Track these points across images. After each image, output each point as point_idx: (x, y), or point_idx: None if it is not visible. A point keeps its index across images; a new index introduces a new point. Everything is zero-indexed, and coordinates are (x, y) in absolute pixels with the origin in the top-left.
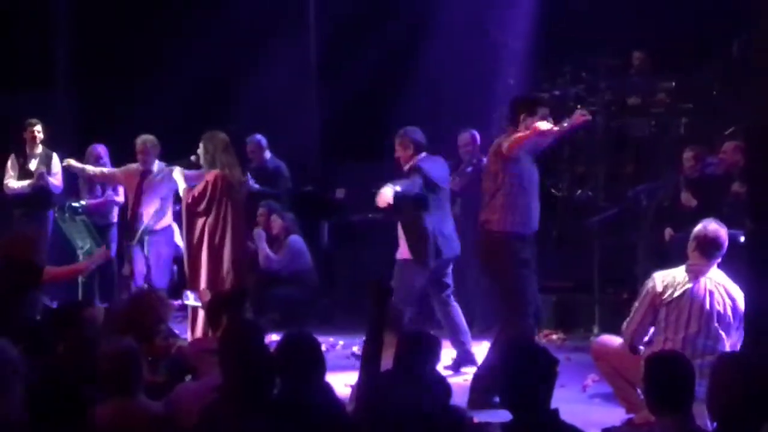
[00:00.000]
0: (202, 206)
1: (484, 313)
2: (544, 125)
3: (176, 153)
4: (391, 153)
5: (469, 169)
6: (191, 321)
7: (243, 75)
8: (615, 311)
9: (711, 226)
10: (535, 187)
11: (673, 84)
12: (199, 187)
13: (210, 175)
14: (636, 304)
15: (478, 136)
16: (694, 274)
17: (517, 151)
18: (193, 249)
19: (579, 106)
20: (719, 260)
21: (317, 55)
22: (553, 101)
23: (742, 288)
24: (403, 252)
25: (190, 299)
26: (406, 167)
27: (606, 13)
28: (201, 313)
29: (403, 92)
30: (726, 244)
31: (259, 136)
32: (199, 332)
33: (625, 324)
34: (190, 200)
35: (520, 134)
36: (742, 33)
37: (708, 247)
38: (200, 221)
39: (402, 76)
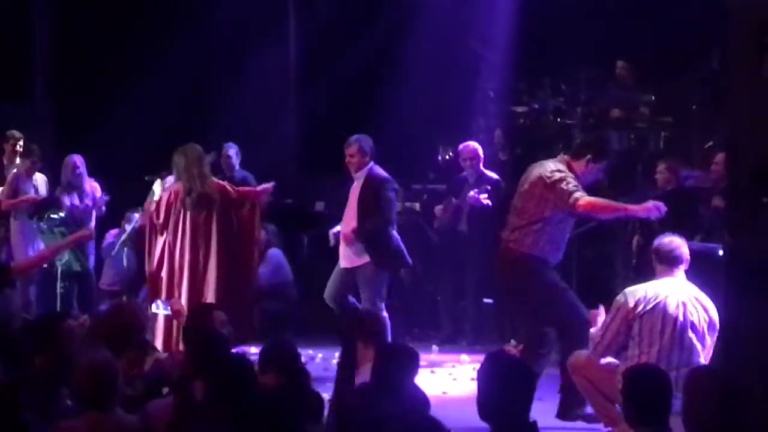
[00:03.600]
0: (161, 219)
1: (474, 329)
2: (610, 208)
3: (155, 164)
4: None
5: (475, 192)
6: (160, 330)
7: (221, 87)
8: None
9: (665, 238)
10: (572, 222)
11: (653, 97)
12: (160, 200)
13: (170, 189)
14: (607, 319)
15: (480, 150)
16: (664, 285)
17: (583, 213)
18: (154, 261)
19: (558, 119)
20: (685, 267)
21: (296, 66)
22: (534, 115)
23: (718, 302)
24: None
25: (160, 308)
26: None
27: (585, 27)
28: (165, 322)
29: (382, 104)
30: (683, 251)
31: (235, 146)
32: (162, 341)
33: (595, 338)
34: (150, 212)
35: (595, 204)
36: (722, 45)
37: (667, 256)
38: (160, 234)
39: (381, 88)
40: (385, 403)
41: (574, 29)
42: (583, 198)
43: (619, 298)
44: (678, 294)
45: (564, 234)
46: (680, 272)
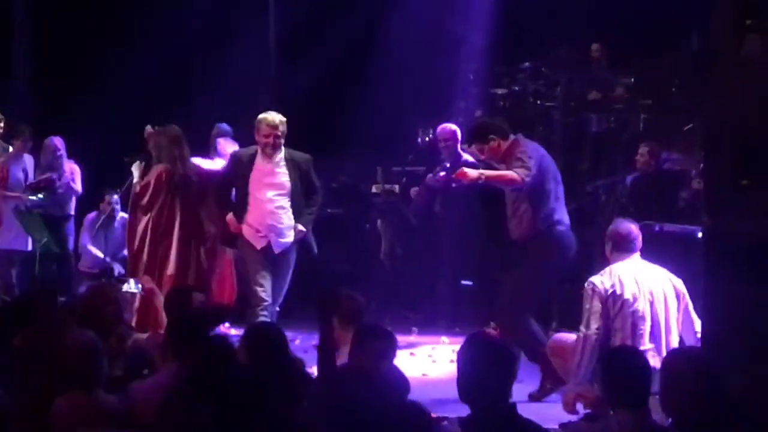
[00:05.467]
0: (146, 200)
1: (452, 311)
2: None
3: (135, 144)
4: (353, 146)
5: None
6: (136, 310)
7: (202, 68)
8: (573, 307)
9: (621, 225)
10: None
11: (632, 79)
12: (145, 181)
13: (156, 170)
14: (589, 306)
15: (458, 131)
16: (623, 268)
17: None
18: (136, 241)
19: (538, 102)
20: (638, 251)
21: (276, 48)
22: (514, 98)
23: (698, 284)
24: None
25: (132, 287)
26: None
27: (564, 8)
28: (141, 302)
29: (363, 86)
30: (638, 237)
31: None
32: (136, 320)
33: (583, 328)
34: (135, 193)
35: None
36: (701, 26)
37: (622, 242)
38: (144, 214)
39: (362, 70)
40: (364, 385)
41: (554, 11)
42: None
43: (587, 285)
44: (636, 274)
45: None
46: (636, 255)
